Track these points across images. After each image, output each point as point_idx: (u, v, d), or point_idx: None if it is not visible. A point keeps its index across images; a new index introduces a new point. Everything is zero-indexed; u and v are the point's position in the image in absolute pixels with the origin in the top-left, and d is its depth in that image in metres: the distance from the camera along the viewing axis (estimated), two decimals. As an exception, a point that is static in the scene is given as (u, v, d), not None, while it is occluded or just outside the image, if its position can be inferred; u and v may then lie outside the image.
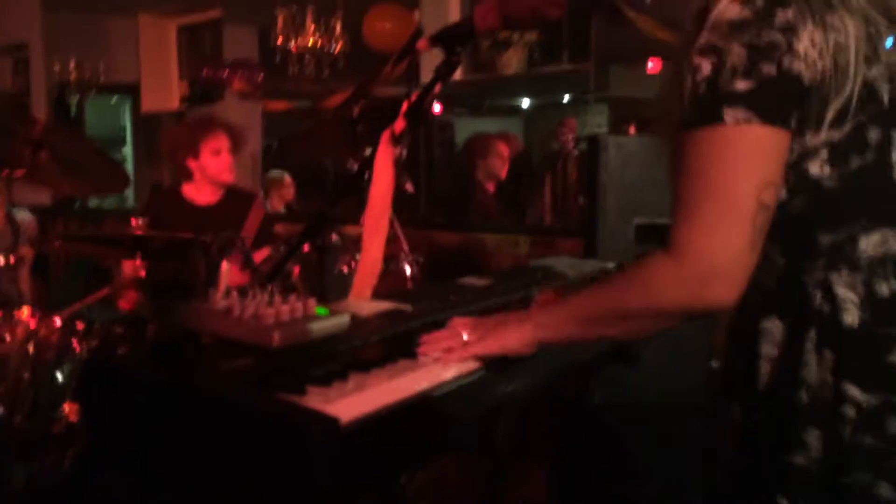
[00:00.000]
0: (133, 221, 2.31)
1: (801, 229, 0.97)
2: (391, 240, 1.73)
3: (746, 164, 0.91)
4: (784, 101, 0.92)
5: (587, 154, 2.86)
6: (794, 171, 0.96)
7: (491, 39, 4.17)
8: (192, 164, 2.93)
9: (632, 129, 6.54)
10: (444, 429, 1.12)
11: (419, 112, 1.48)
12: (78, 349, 2.40)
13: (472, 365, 1.15)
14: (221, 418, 0.98)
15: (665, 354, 1.87)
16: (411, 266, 2.51)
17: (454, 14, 4.63)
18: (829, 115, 0.93)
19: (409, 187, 3.25)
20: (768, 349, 1.00)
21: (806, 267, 0.97)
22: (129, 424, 1.10)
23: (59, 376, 2.38)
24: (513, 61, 4.22)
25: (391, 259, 2.44)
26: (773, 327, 1.00)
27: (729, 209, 0.91)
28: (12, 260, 2.75)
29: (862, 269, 0.95)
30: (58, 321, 2.44)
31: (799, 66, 0.90)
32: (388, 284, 2.37)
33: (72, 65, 5.95)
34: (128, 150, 6.98)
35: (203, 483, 1.00)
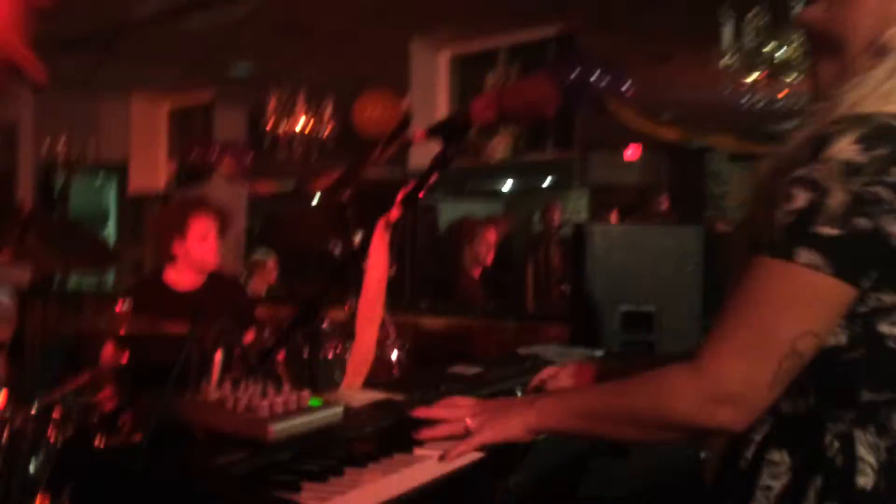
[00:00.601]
0: (119, 305, 2.28)
1: (847, 378, 0.95)
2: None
3: (798, 308, 0.90)
4: (865, 260, 0.89)
5: (573, 241, 2.89)
6: (863, 323, 0.93)
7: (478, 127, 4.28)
8: (177, 247, 2.90)
9: (614, 215, 6.65)
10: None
11: (414, 201, 1.49)
12: (53, 439, 2.32)
13: (469, 458, 1.13)
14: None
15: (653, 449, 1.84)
16: (398, 351, 2.48)
17: (442, 102, 4.76)
18: None
19: (392, 270, 3.24)
20: (769, 481, 0.97)
21: (834, 414, 0.95)
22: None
23: (32, 466, 2.29)
24: (499, 148, 4.32)
25: (378, 344, 2.42)
26: (780, 461, 0.97)
27: (762, 345, 0.91)
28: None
29: (890, 435, 0.93)
30: (33, 409, 2.36)
31: (894, 227, 0.87)
32: (375, 370, 2.34)
33: (60, 144, 5.99)
34: (110, 229, 6.97)
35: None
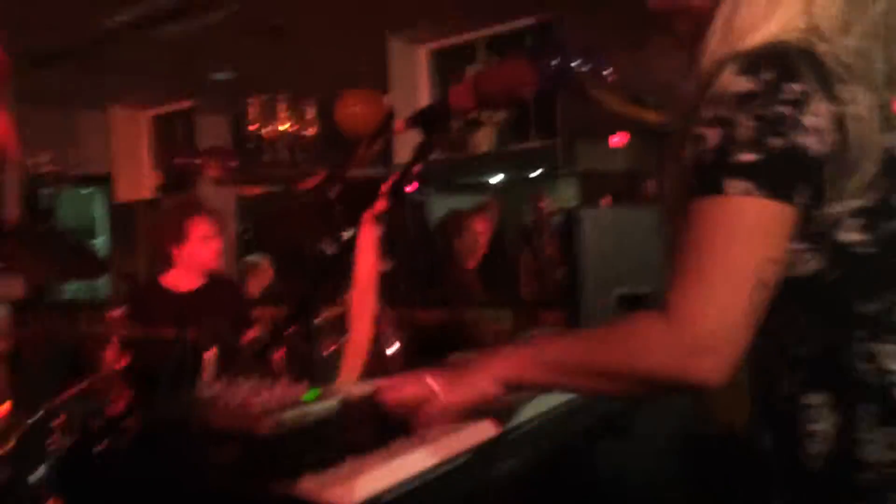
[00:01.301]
0: (111, 314, 2.28)
1: (840, 299, 0.95)
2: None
3: (746, 238, 0.90)
4: (789, 175, 0.90)
5: (564, 227, 2.90)
6: (826, 241, 0.94)
7: (462, 120, 4.27)
8: (175, 251, 2.90)
9: (606, 201, 6.64)
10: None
11: (399, 192, 1.49)
12: (57, 445, 2.32)
13: (464, 444, 1.13)
14: (213, 512, 0.95)
15: (653, 424, 1.86)
16: (395, 345, 2.49)
17: (424, 97, 4.76)
18: (851, 184, 0.92)
19: (384, 265, 3.24)
20: (811, 426, 0.96)
21: (849, 338, 0.94)
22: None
23: (38, 474, 2.29)
24: (484, 140, 4.32)
25: (373, 339, 2.42)
26: (817, 402, 0.96)
27: (726, 281, 0.89)
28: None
29: None
30: (37, 418, 2.36)
31: (806, 140, 0.89)
32: (372, 364, 2.34)
33: (42, 158, 5.97)
34: (101, 241, 6.94)
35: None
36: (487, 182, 7.45)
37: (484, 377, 1.05)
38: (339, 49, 5.00)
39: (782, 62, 0.92)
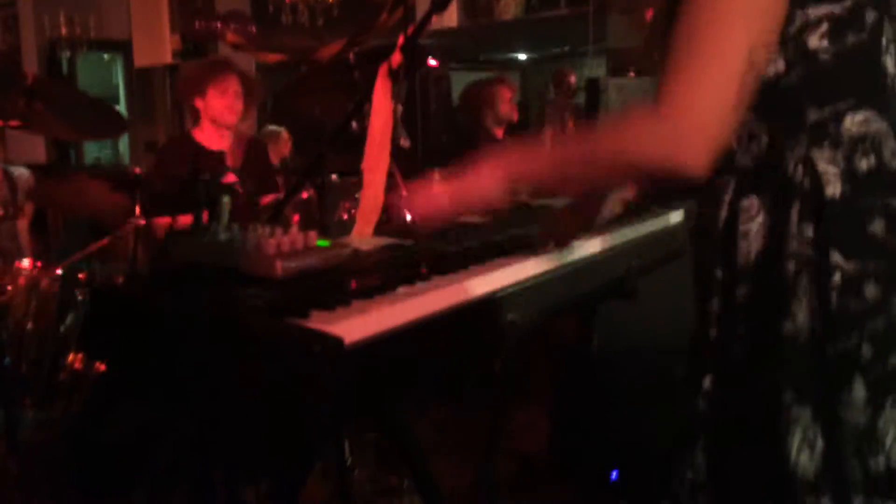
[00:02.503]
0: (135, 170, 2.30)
1: (791, 104, 0.98)
2: (389, 188, 1.73)
3: (739, 20, 0.91)
4: None
5: (586, 96, 2.83)
6: (795, 42, 0.97)
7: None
8: (199, 103, 2.91)
9: (631, 74, 6.46)
10: (447, 355, 1.13)
11: (414, 44, 1.46)
12: (80, 298, 2.41)
13: (474, 291, 1.16)
14: (226, 345, 0.99)
15: (662, 287, 1.88)
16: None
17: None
18: None
19: (405, 142, 3.21)
20: (745, 226, 1.01)
21: (789, 144, 0.99)
22: (135, 355, 1.12)
23: (63, 326, 2.40)
24: (510, 6, 4.16)
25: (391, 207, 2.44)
26: (752, 205, 1.01)
27: (718, 64, 0.91)
28: (12, 214, 2.75)
29: (843, 145, 0.98)
30: (59, 272, 2.45)
31: None
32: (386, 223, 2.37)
33: (62, 20, 5.87)
34: (121, 108, 6.93)
35: (212, 408, 1.01)
36: (513, 58, 7.26)
37: (488, 176, 1.10)
38: None
39: None
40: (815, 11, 0.96)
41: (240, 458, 1.04)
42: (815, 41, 0.97)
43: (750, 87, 0.93)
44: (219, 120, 2.90)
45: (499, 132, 4.03)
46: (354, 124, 1.78)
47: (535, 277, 1.32)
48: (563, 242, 1.39)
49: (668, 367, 2.33)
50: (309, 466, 2.44)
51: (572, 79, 5.30)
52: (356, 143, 1.73)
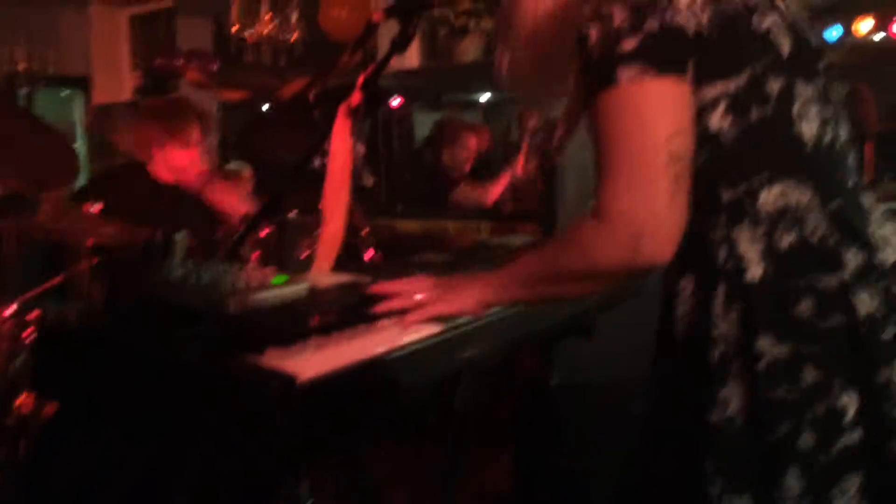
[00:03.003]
0: (86, 208, 2.26)
1: (703, 185, 0.97)
2: (351, 227, 1.73)
3: (648, 118, 0.92)
4: (674, 51, 0.93)
5: (544, 139, 2.89)
6: (696, 125, 0.96)
7: (448, 27, 4.18)
8: (158, 153, 2.81)
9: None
10: (405, 391, 1.13)
11: (375, 86, 1.48)
12: (33, 339, 2.35)
13: (431, 329, 1.16)
14: (180, 381, 0.97)
15: (620, 325, 1.90)
16: (373, 251, 2.50)
17: (411, 2, 4.63)
18: (720, 65, 0.95)
19: (369, 180, 3.21)
20: (681, 308, 1.02)
21: (710, 223, 0.99)
22: (87, 392, 1.09)
23: (13, 367, 2.32)
24: (470, 49, 4.23)
25: (350, 245, 2.43)
26: (686, 286, 1.02)
27: (640, 167, 0.92)
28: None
29: (762, 222, 0.97)
30: (12, 310, 2.38)
31: (681, 19, 0.92)
32: (349, 269, 2.37)
33: (20, 55, 5.80)
34: (80, 147, 6.83)
35: (166, 446, 0.99)
36: (476, 100, 7.35)
37: (470, 297, 1.13)
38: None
39: None
40: (709, 92, 0.95)
41: (195, 496, 1.02)
42: (715, 122, 0.96)
43: (680, 176, 0.93)
44: (179, 174, 2.81)
45: (457, 175, 4.07)
46: (316, 162, 1.79)
47: (493, 314, 1.33)
48: None
49: (627, 401, 2.35)
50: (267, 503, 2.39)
51: (532, 120, 5.38)
52: (317, 182, 1.73)
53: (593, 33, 0.95)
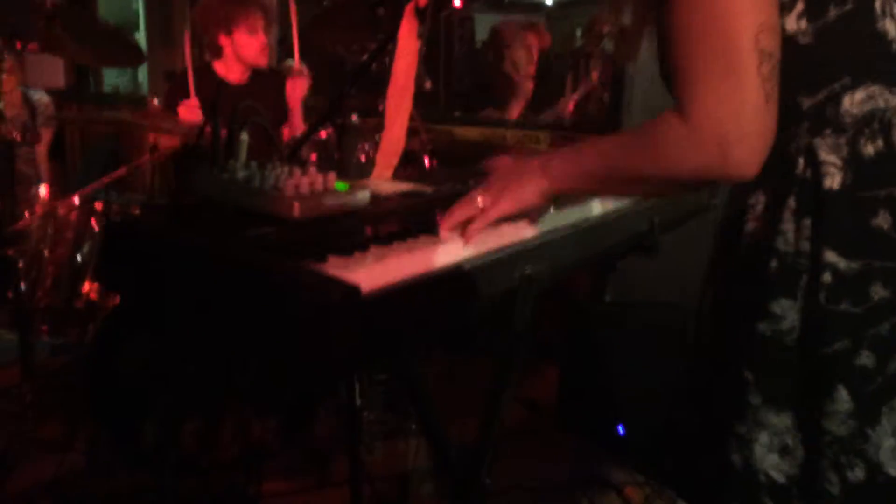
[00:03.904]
0: (153, 102, 2.27)
1: (786, 93, 0.90)
2: (410, 133, 1.69)
3: (736, 14, 0.85)
4: None
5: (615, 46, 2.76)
6: None
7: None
8: (224, 41, 2.84)
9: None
10: (464, 306, 1.12)
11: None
12: (97, 228, 2.42)
13: (493, 242, 1.14)
14: (242, 283, 0.98)
15: (684, 249, 1.85)
16: (430, 157, 2.47)
17: None
18: None
19: (428, 84, 3.14)
20: (751, 224, 0.98)
21: (790, 134, 0.94)
22: (150, 289, 1.11)
23: (79, 254, 2.41)
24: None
25: (410, 152, 2.41)
26: (757, 201, 0.97)
27: (730, 64, 0.85)
28: (30, 139, 2.74)
29: (846, 129, 0.91)
30: (76, 200, 2.45)
31: None
32: (407, 175, 2.36)
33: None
34: (140, 37, 6.83)
35: (223, 347, 1.01)
36: (539, 2, 7.08)
37: (532, 190, 1.08)
38: None
39: None
40: None
41: (251, 394, 1.05)
42: (791, 24, 0.90)
43: (771, 74, 0.86)
44: (246, 59, 2.84)
45: (519, 79, 3.93)
46: (375, 64, 1.74)
47: (554, 231, 1.30)
48: None
49: (681, 322, 2.32)
50: (318, 405, 2.48)
51: (605, 28, 5.16)
52: (377, 83, 1.69)
53: None
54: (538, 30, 4.22)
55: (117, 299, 2.27)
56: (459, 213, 1.12)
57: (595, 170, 1.04)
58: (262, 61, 2.87)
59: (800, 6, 0.90)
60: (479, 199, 1.11)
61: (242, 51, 2.81)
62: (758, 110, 0.86)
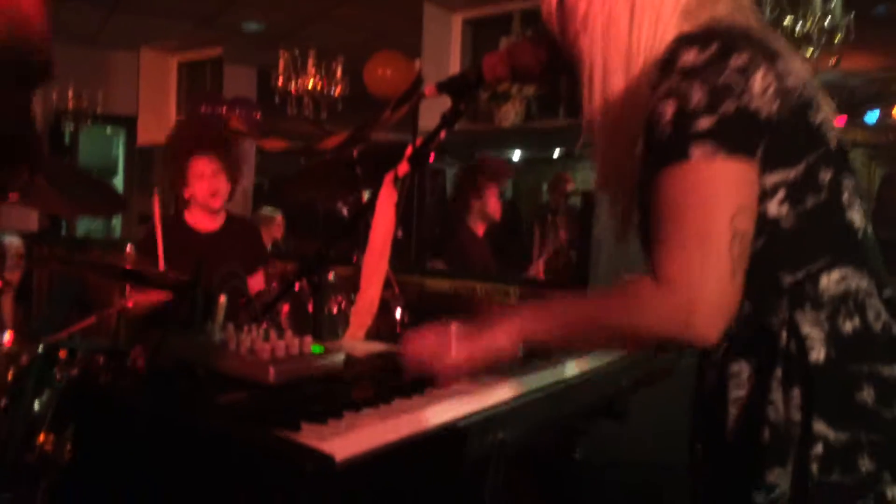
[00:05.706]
0: (127, 249, 2.28)
1: (762, 270, 0.98)
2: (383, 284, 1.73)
3: (717, 196, 0.94)
4: (746, 134, 0.95)
5: (581, 209, 2.90)
6: (757, 214, 0.98)
7: (490, 91, 4.22)
8: (186, 192, 2.91)
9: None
10: (436, 474, 1.11)
11: (422, 157, 1.49)
12: (58, 378, 2.35)
13: (466, 407, 1.14)
14: (215, 452, 0.96)
15: (653, 410, 1.86)
16: (402, 310, 2.50)
17: (455, 64, 4.72)
18: (783, 153, 0.97)
19: (399, 233, 3.21)
20: (735, 392, 1.01)
21: (770, 307, 0.99)
22: (114, 454, 1.08)
23: (37, 405, 2.33)
24: (510, 114, 4.27)
25: (382, 301, 2.43)
26: (741, 370, 1.01)
27: (706, 239, 0.93)
28: (-1, 283, 2.72)
29: (825, 306, 0.97)
30: (39, 348, 2.40)
31: (755, 105, 0.95)
32: (379, 326, 2.37)
33: (70, 93, 5.98)
34: (118, 181, 6.98)
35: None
36: (508, 158, 7.42)
37: (502, 335, 1.10)
38: (373, 9, 4.96)
39: (726, 36, 0.98)
40: (770, 178, 0.97)
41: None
42: (774, 209, 0.98)
43: (741, 254, 0.94)
44: (203, 204, 2.87)
45: (481, 229, 4.02)
46: (345, 211, 1.80)
47: (526, 395, 1.31)
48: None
49: (652, 480, 2.29)
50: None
51: (569, 186, 5.41)
52: (349, 233, 1.73)
53: (668, 110, 0.96)
54: (501, 173, 4.32)
55: (71, 454, 2.17)
56: (428, 344, 1.11)
57: (567, 319, 1.08)
58: (216, 204, 2.87)
59: (781, 193, 0.98)
60: (451, 331, 1.11)
61: (198, 196, 2.85)
62: (724, 283, 0.93)
